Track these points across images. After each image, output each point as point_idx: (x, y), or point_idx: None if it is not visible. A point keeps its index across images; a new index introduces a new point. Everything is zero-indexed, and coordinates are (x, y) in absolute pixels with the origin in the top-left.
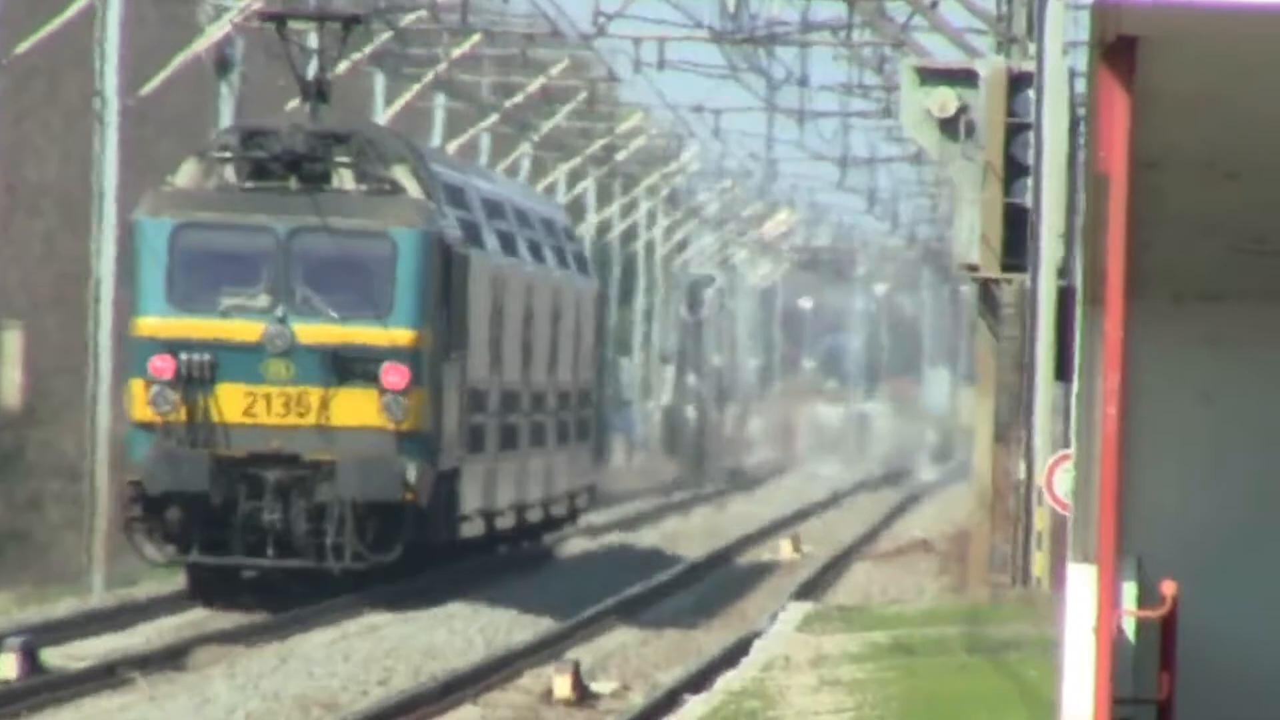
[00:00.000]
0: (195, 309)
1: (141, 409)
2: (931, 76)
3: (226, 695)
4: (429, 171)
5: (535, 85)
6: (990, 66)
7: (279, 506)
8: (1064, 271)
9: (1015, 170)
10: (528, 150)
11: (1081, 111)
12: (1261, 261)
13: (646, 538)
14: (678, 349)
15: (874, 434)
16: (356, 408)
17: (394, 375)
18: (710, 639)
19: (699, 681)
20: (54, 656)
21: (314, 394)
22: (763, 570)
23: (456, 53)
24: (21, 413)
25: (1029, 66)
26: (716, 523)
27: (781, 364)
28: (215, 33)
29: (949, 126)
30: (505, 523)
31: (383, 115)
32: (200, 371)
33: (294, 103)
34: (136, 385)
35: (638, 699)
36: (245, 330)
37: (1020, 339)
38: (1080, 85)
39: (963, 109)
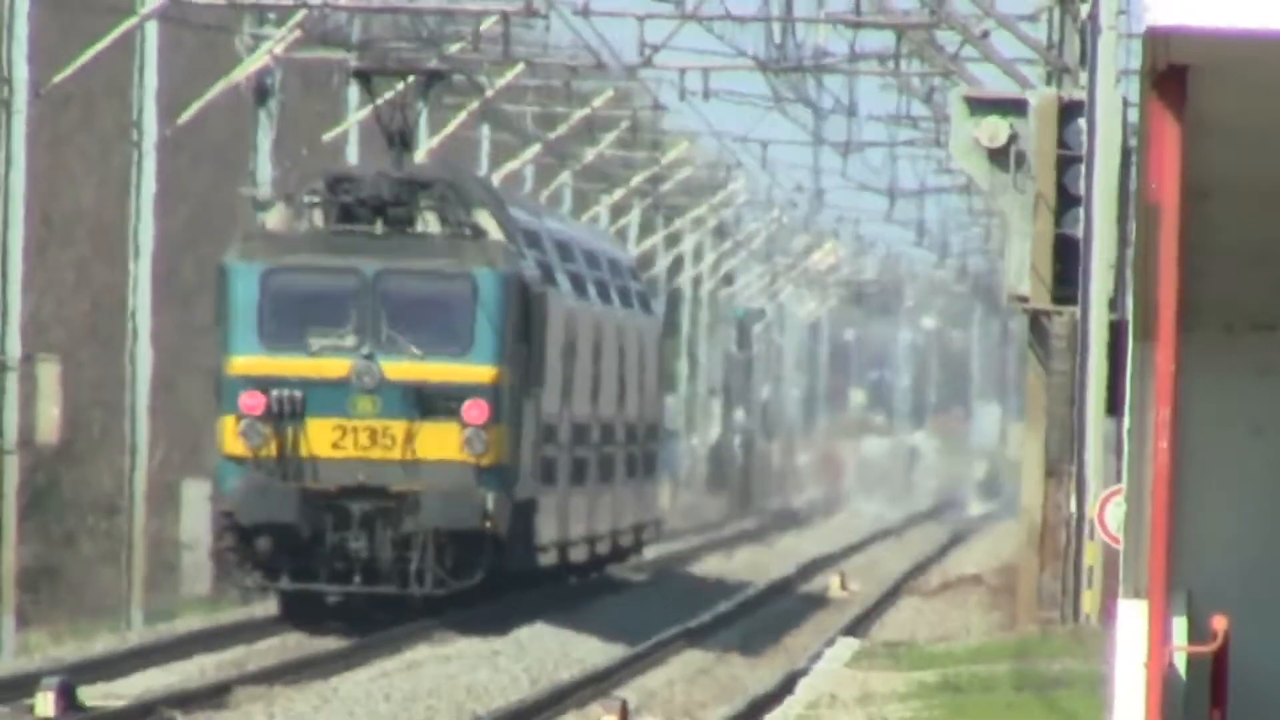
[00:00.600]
0: (286, 348)
1: (233, 443)
2: (981, 106)
3: None
4: (507, 215)
5: (579, 116)
6: (1041, 96)
7: (365, 536)
8: (1115, 304)
9: (1066, 201)
10: (569, 180)
11: (1133, 141)
12: None
13: (692, 575)
14: (724, 383)
15: (922, 468)
16: (439, 441)
17: (475, 411)
18: (757, 676)
19: (746, 718)
20: (92, 695)
21: (399, 428)
22: (810, 607)
23: (499, 83)
24: (58, 448)
25: (1080, 96)
26: (763, 559)
27: (828, 398)
28: (254, 62)
29: (999, 157)
30: (577, 553)
31: (426, 145)
32: (290, 407)
33: (333, 131)
34: (228, 420)
35: None
36: (334, 367)
37: (1071, 372)
38: (1132, 115)
39: (1013, 139)
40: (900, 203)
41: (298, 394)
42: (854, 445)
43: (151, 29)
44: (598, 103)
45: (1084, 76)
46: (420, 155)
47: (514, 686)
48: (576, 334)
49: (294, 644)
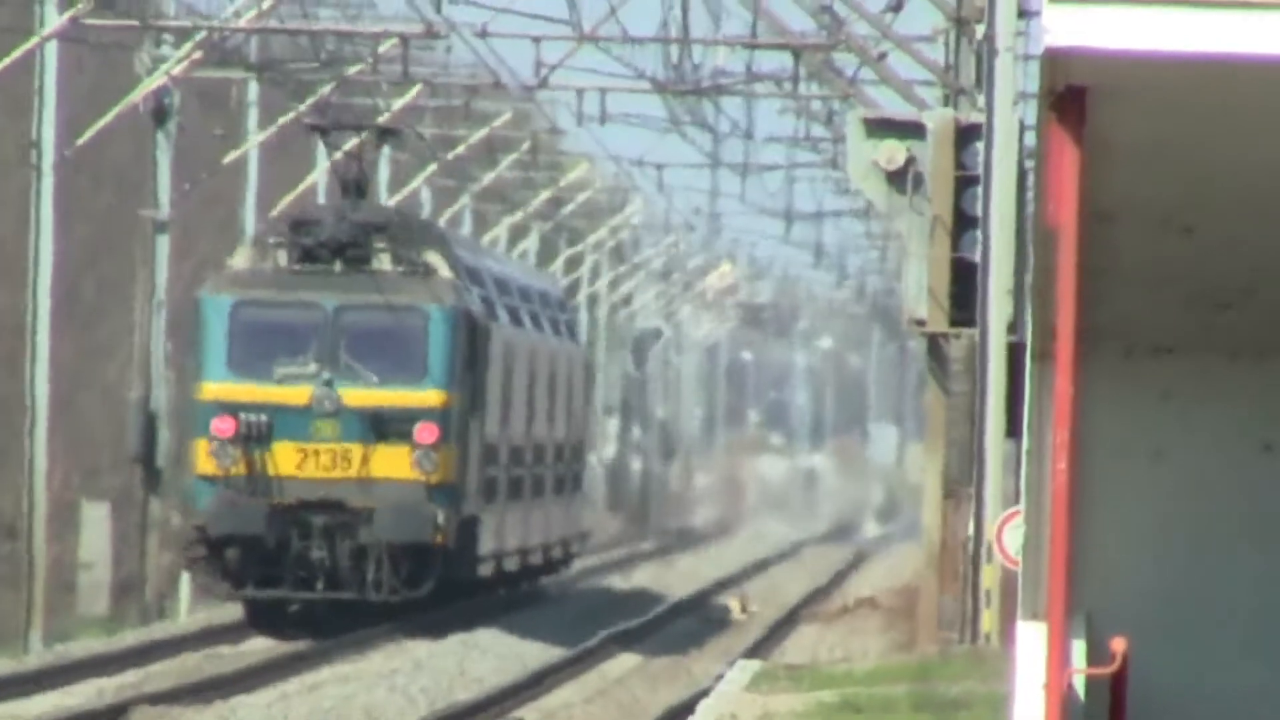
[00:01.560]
0: (253, 375)
1: (205, 463)
2: (879, 128)
3: None
4: (453, 254)
5: (478, 136)
6: (938, 118)
7: (325, 547)
8: (1014, 326)
9: (964, 223)
10: (468, 203)
11: (1031, 164)
12: (1215, 315)
13: (589, 596)
14: (621, 402)
15: (820, 490)
16: (393, 461)
17: (426, 432)
18: (657, 698)
19: None
20: None
21: (356, 450)
22: (711, 629)
23: (398, 104)
24: None
25: (977, 118)
26: (663, 580)
27: (726, 418)
28: (152, 83)
29: (897, 179)
30: (513, 565)
31: (323, 165)
32: (258, 430)
33: (233, 154)
34: (200, 443)
35: None
36: (297, 394)
37: (970, 394)
38: (1030, 137)
39: (911, 161)
40: (798, 225)
41: (264, 418)
42: (752, 465)
43: (51, 49)
44: (497, 124)
45: (981, 98)
46: (318, 176)
47: (411, 707)
48: (514, 362)
49: (193, 666)
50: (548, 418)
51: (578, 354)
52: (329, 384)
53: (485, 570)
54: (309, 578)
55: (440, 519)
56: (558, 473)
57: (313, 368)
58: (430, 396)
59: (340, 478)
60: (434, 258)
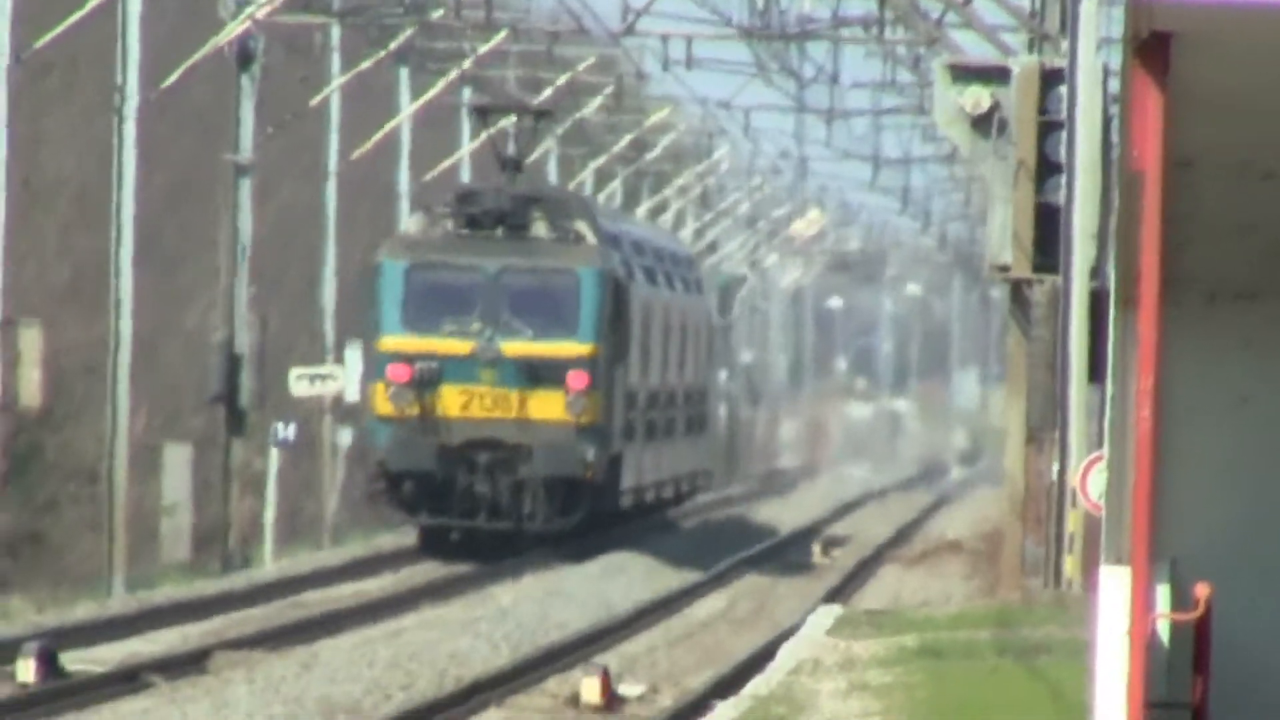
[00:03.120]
0: (425, 329)
1: (383, 405)
2: (964, 74)
3: (247, 700)
4: (598, 223)
5: (562, 80)
6: (1023, 64)
7: (488, 481)
8: (1096, 272)
9: (1048, 169)
10: (553, 146)
11: (1115, 110)
12: None
13: (677, 537)
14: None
15: (905, 434)
16: (548, 405)
17: (576, 379)
18: (740, 642)
19: (727, 686)
20: (73, 661)
21: (514, 395)
22: (793, 572)
23: (482, 49)
24: (40, 413)
25: (1062, 64)
26: (748, 524)
27: (813, 365)
28: (237, 27)
29: (982, 124)
30: (648, 497)
31: (407, 109)
32: (429, 377)
33: (317, 97)
34: (379, 387)
35: (666, 703)
36: (462, 346)
37: (1052, 340)
38: (1114, 83)
39: (995, 106)
40: (884, 171)
41: (435, 366)
42: (838, 411)
43: None
44: (581, 68)
45: (1065, 44)
46: (401, 120)
47: (495, 653)
48: (649, 317)
49: (275, 612)
50: (678, 366)
51: (703, 308)
52: (491, 337)
53: (626, 502)
54: (472, 508)
55: (589, 456)
56: (686, 415)
57: (477, 324)
58: (580, 348)
59: (500, 418)
60: (582, 226)
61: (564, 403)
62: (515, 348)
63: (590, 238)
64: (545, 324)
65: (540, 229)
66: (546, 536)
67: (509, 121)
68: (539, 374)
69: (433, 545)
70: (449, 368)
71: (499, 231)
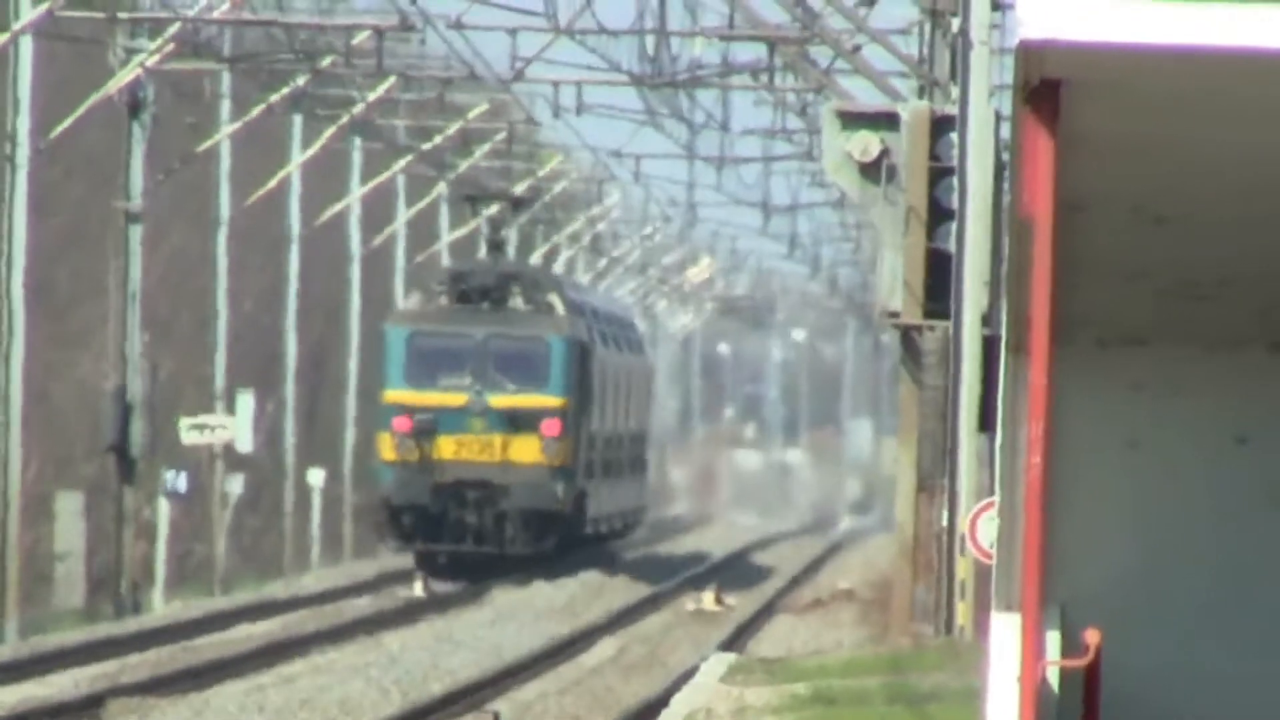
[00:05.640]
0: (423, 385)
1: (388, 451)
2: (853, 120)
3: None
4: (566, 295)
5: (454, 128)
6: (912, 110)
7: (475, 513)
8: (988, 319)
9: (938, 215)
10: (444, 192)
11: (1006, 155)
12: (1189, 306)
13: (566, 587)
14: None
15: (796, 483)
16: (525, 449)
17: (550, 427)
18: (631, 690)
19: None
20: None
21: (498, 440)
22: (685, 620)
23: (373, 96)
24: None
25: (951, 110)
26: (639, 572)
27: (702, 412)
28: (127, 75)
29: (871, 170)
30: (605, 527)
31: (299, 156)
32: (427, 426)
33: (206, 144)
34: (385, 436)
35: None
36: (456, 399)
37: (944, 387)
38: (1005, 129)
39: (885, 152)
40: (774, 217)
41: (431, 417)
42: (728, 459)
43: (26, 43)
44: (472, 115)
45: (955, 90)
46: (293, 168)
47: (385, 700)
48: (605, 374)
49: (168, 657)
50: (626, 415)
51: (643, 365)
52: (479, 392)
53: (590, 530)
54: (461, 536)
55: (561, 492)
56: (631, 457)
57: (468, 380)
58: (553, 401)
59: (487, 461)
60: (553, 298)
61: (539, 447)
62: (500, 400)
63: (560, 308)
64: (523, 380)
65: (518, 302)
66: (524, 559)
67: (487, 213)
68: (519, 422)
69: (429, 566)
70: (444, 418)
71: (484, 305)
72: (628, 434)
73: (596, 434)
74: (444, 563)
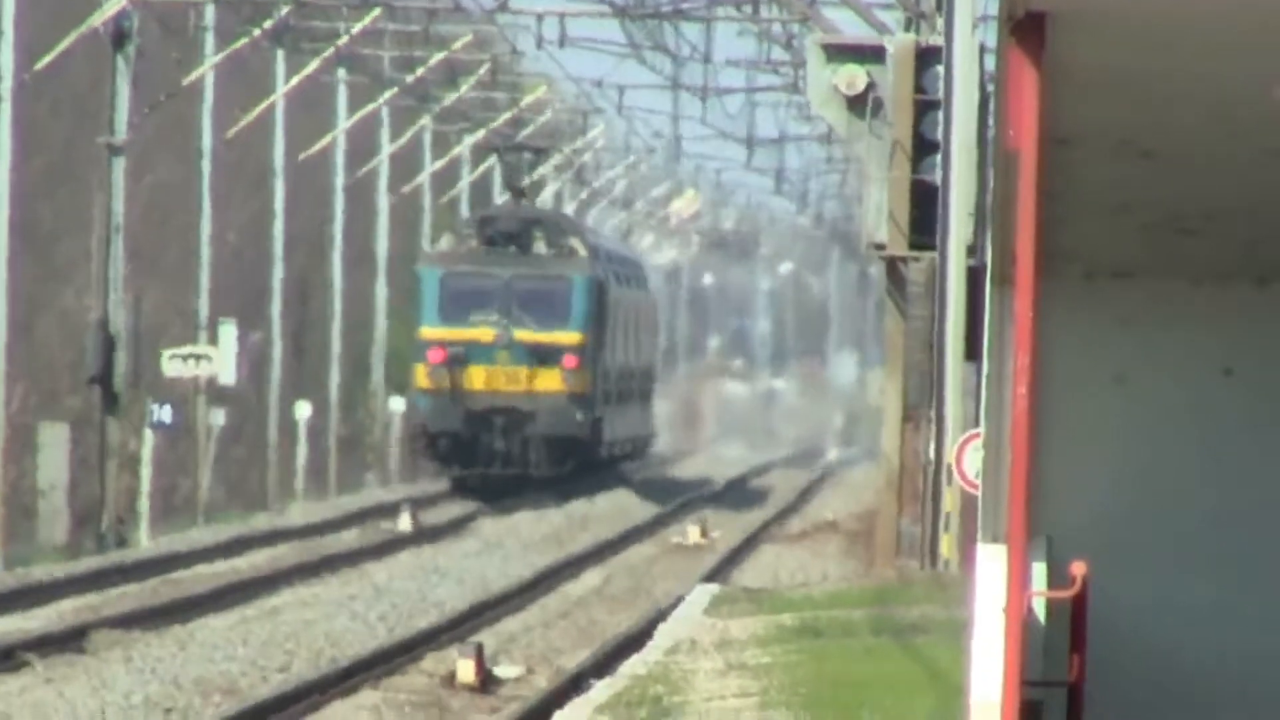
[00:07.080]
0: (455, 322)
1: (423, 380)
2: (839, 53)
3: (125, 679)
4: (586, 239)
5: (437, 59)
6: (898, 43)
7: (502, 438)
8: (973, 250)
9: (924, 148)
10: (429, 124)
11: (991, 88)
12: (1175, 240)
13: (551, 519)
14: None
15: (782, 414)
16: (548, 379)
17: (570, 360)
18: (616, 621)
19: (604, 665)
20: None
21: (523, 372)
22: (670, 553)
23: (357, 27)
24: None
25: (937, 42)
26: (624, 505)
27: (688, 345)
28: (112, 7)
29: (856, 104)
30: (618, 451)
31: (282, 88)
32: (459, 359)
33: (190, 77)
34: (420, 367)
35: (542, 683)
36: (485, 334)
37: (929, 318)
38: (990, 61)
39: (870, 86)
40: (759, 151)
41: (462, 350)
42: (714, 390)
43: None
44: (457, 46)
45: (941, 22)
46: (276, 99)
47: (370, 633)
48: (619, 311)
49: (151, 591)
50: (636, 350)
51: (650, 302)
52: (505, 327)
53: (605, 454)
54: (490, 460)
55: (580, 418)
56: (640, 387)
57: (495, 317)
58: (573, 336)
59: (512, 390)
60: (574, 242)
61: (560, 377)
62: (524, 335)
63: (581, 251)
64: (546, 318)
65: (541, 245)
66: (546, 481)
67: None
68: (542, 356)
69: (462, 487)
70: (474, 351)
71: (511, 247)
72: (638, 367)
73: (610, 366)
74: (473, 484)
